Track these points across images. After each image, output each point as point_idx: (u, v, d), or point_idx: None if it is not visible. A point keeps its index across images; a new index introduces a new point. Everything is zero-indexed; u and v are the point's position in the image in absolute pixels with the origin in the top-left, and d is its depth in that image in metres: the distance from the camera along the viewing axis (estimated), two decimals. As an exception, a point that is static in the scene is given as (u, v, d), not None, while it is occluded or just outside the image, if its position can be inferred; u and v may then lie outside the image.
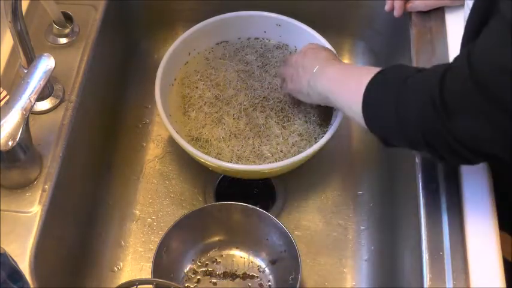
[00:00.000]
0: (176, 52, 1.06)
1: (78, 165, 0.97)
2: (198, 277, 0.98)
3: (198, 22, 1.09)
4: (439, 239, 0.80)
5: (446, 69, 0.68)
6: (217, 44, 1.12)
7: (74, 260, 0.98)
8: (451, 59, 0.95)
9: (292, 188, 1.08)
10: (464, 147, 0.68)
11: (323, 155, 1.05)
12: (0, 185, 0.84)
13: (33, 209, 0.84)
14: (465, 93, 0.65)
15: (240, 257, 1.00)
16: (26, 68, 0.88)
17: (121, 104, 1.17)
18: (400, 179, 1.01)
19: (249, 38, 1.13)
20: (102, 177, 1.08)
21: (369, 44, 1.21)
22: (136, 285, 0.87)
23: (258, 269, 0.99)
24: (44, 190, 0.85)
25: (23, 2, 0.84)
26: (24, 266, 0.79)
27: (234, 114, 1.04)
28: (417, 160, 0.87)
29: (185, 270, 0.99)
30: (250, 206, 0.97)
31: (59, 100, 0.93)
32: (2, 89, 0.91)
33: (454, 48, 0.97)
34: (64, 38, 1.00)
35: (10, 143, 0.76)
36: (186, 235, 0.98)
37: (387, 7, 1.05)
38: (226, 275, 0.98)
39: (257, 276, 0.98)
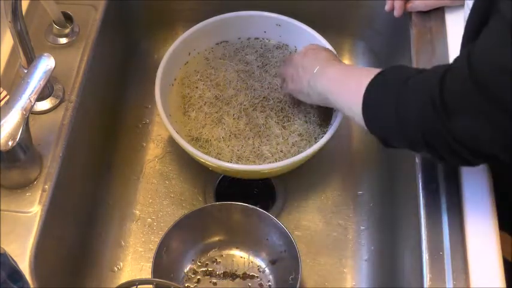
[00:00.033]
0: (176, 52, 1.06)
1: (78, 165, 0.97)
2: (198, 277, 0.98)
3: (198, 22, 1.09)
4: (439, 239, 0.80)
5: (446, 70, 0.68)
6: (217, 44, 1.12)
7: (74, 260, 0.98)
8: (451, 59, 0.95)
9: (292, 188, 1.08)
10: (464, 148, 0.68)
11: (323, 155, 1.05)
12: (0, 185, 0.84)
13: (33, 209, 0.84)
14: (465, 93, 0.65)
15: (240, 257, 1.00)
16: (26, 68, 0.88)
17: (121, 104, 1.17)
18: (400, 179, 1.01)
19: (249, 38, 1.13)
20: (102, 177, 1.08)
21: (369, 44, 1.21)
22: (136, 285, 0.87)
23: (258, 269, 0.99)
24: (44, 190, 0.85)
25: (23, 2, 0.84)
26: (24, 266, 0.79)
27: (234, 114, 1.04)
28: (417, 160, 0.87)
29: (185, 270, 0.99)
30: (250, 206, 0.97)
31: (59, 100, 0.93)
32: (2, 89, 0.91)
33: (454, 48, 0.97)
34: (64, 38, 1.00)
35: (10, 143, 0.76)
36: (186, 235, 0.98)
37: (387, 7, 1.05)
38: (226, 275, 0.98)
39: (257, 276, 0.98)
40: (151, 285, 0.89)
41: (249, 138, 1.01)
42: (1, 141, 0.75)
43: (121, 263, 1.02)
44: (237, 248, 1.01)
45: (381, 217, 1.05)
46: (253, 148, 1.00)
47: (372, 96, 0.76)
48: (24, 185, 0.85)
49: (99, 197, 1.07)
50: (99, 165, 1.08)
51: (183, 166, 1.10)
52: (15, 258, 0.65)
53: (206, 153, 0.97)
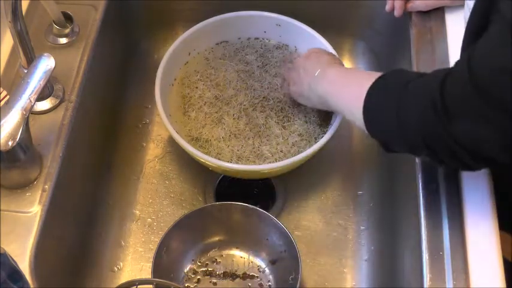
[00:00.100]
0: (176, 52, 1.06)
1: (78, 165, 0.97)
2: (198, 277, 0.98)
3: (198, 22, 1.09)
4: (439, 239, 0.80)
5: (446, 74, 0.68)
6: (217, 44, 1.12)
7: (74, 260, 0.98)
8: (451, 59, 0.96)
9: (292, 188, 1.08)
10: (465, 151, 0.68)
11: (323, 155, 1.05)
12: (0, 185, 0.84)
13: (33, 209, 0.84)
14: (465, 97, 0.65)
15: (240, 257, 1.00)
16: (26, 68, 0.88)
17: (121, 104, 1.17)
18: (400, 179, 1.01)
19: (249, 38, 1.13)
20: (102, 177, 1.08)
21: (369, 44, 1.21)
22: (136, 285, 0.87)
23: (258, 269, 0.99)
24: (44, 190, 0.85)
25: (23, 2, 0.84)
26: (24, 266, 0.79)
27: (234, 114, 1.04)
28: (417, 160, 0.87)
29: (185, 270, 0.99)
30: (250, 206, 0.97)
31: (59, 100, 0.93)
32: (2, 89, 0.91)
33: (454, 48, 0.97)
34: (64, 38, 1.00)
35: (10, 143, 0.76)
36: (186, 235, 0.98)
37: (388, 7, 1.05)
38: (226, 275, 0.98)
39: (257, 276, 0.98)
40: (151, 285, 0.89)
41: (249, 138, 1.01)
42: (1, 141, 0.75)
43: (121, 263, 1.02)
44: (237, 248, 1.01)
45: (381, 217, 1.05)
46: (253, 148, 1.00)
47: (373, 100, 0.76)
48: (24, 185, 0.85)
49: (99, 197, 1.07)
50: (99, 165, 1.08)
51: (183, 166, 1.10)
52: (15, 258, 0.65)
53: (206, 153, 0.98)
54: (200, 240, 1.00)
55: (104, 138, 1.10)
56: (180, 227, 0.96)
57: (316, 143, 0.97)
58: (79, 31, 1.01)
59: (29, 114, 0.78)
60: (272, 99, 1.05)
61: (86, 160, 1.02)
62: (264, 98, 1.05)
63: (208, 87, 1.08)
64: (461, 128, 0.66)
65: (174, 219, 1.00)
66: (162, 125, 1.04)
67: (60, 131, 0.91)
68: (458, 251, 0.79)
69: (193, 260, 0.99)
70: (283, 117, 1.03)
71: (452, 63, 0.94)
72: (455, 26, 1.00)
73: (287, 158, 0.98)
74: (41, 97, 0.91)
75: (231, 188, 1.08)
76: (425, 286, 0.78)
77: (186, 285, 0.97)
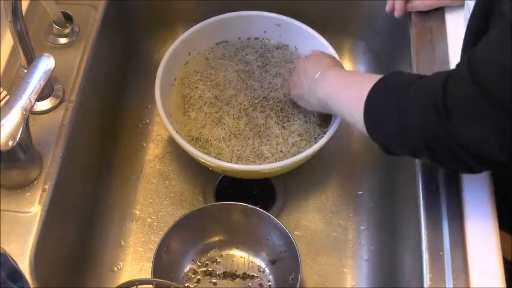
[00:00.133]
0: (176, 52, 1.06)
1: (78, 165, 0.97)
2: (198, 277, 0.98)
3: (198, 22, 1.09)
4: (439, 239, 0.80)
5: (448, 75, 0.68)
6: (217, 44, 1.12)
7: (74, 260, 0.98)
8: (451, 59, 0.96)
9: (292, 188, 1.08)
10: (466, 152, 0.67)
11: (323, 155, 1.05)
12: (0, 185, 0.84)
13: (33, 209, 0.84)
14: (467, 97, 0.65)
15: (240, 257, 1.00)
16: (26, 68, 0.88)
17: (121, 104, 1.17)
18: (400, 179, 1.01)
19: (249, 38, 1.13)
20: (102, 177, 1.08)
21: (369, 44, 1.21)
22: (136, 285, 0.87)
23: (258, 269, 0.99)
24: (44, 190, 0.85)
25: (23, 2, 0.84)
26: (24, 266, 0.79)
27: (234, 114, 1.04)
28: (417, 161, 0.87)
29: (185, 270, 0.99)
30: (250, 206, 0.97)
31: (59, 100, 0.93)
32: (2, 89, 0.91)
33: (454, 48, 0.97)
34: (64, 38, 1.00)
35: (10, 143, 0.76)
36: (186, 235, 0.98)
37: (388, 8, 1.05)
38: (226, 275, 0.98)
39: (257, 276, 0.98)
40: (151, 285, 0.89)
41: (249, 138, 1.01)
42: (1, 141, 0.75)
43: (121, 263, 1.02)
44: (237, 248, 1.01)
45: (381, 217, 1.05)
46: (253, 148, 1.00)
47: (373, 102, 0.76)
48: (24, 185, 0.85)
49: (99, 197, 1.07)
50: (99, 165, 1.08)
51: (183, 166, 1.10)
52: (15, 258, 0.65)
53: (206, 153, 0.98)
54: (200, 240, 1.00)
55: (104, 138, 1.10)
56: (180, 227, 0.96)
57: (316, 143, 0.97)
58: (79, 31, 1.01)
59: (29, 114, 0.78)
60: (272, 99, 1.05)
61: (86, 160, 1.02)
62: (264, 98, 1.05)
63: (208, 87, 1.08)
64: (463, 129, 0.66)
65: (174, 219, 1.00)
66: (162, 125, 1.04)
67: (60, 131, 0.91)
68: (458, 251, 0.79)
69: (193, 260, 0.99)
70: (283, 117, 1.03)
71: (452, 63, 0.95)
72: (455, 26, 1.00)
73: (287, 158, 0.98)
74: (41, 97, 0.91)
75: (231, 188, 1.08)
76: (425, 286, 0.78)
77: (186, 285, 0.97)
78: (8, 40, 0.93)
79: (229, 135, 1.02)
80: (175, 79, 1.07)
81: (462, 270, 0.77)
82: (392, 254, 0.98)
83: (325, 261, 1.02)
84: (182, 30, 1.14)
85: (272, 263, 0.99)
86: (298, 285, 0.91)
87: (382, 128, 0.76)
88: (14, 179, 0.84)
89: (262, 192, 1.08)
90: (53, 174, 0.87)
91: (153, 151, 1.13)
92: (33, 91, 0.79)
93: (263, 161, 0.99)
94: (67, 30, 1.00)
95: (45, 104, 0.92)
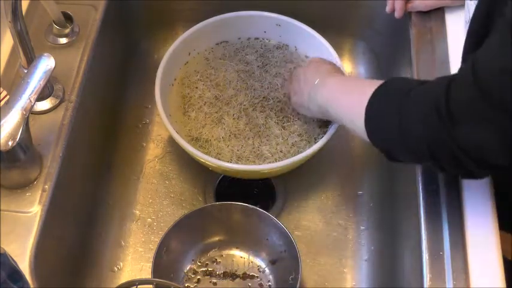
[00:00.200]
0: (176, 52, 1.06)
1: (78, 165, 0.97)
2: (198, 277, 0.98)
3: (198, 22, 1.09)
4: (439, 239, 0.80)
5: (450, 80, 0.67)
6: (217, 44, 1.12)
7: (74, 260, 0.98)
8: (451, 59, 0.96)
9: (292, 188, 1.08)
10: (468, 156, 0.67)
11: (323, 155, 1.05)
12: (0, 185, 0.84)
13: (33, 209, 0.84)
14: (469, 101, 0.65)
15: (240, 257, 1.00)
16: (26, 68, 0.88)
17: (121, 104, 1.17)
18: (400, 179, 1.01)
19: (249, 38, 1.13)
20: (102, 177, 1.08)
21: (369, 44, 1.21)
22: (136, 285, 0.87)
23: (258, 269, 0.99)
24: (44, 190, 0.85)
25: (23, 2, 0.84)
26: (24, 266, 0.79)
27: (234, 114, 1.04)
28: (417, 160, 0.87)
29: (185, 270, 0.99)
30: (250, 206, 0.97)
31: (59, 100, 0.93)
32: (2, 89, 0.91)
33: (454, 48, 0.97)
34: (64, 38, 1.00)
35: (10, 143, 0.76)
36: (186, 235, 0.98)
37: (388, 8, 1.05)
38: (226, 275, 0.98)
39: (257, 276, 0.98)
40: (151, 285, 0.89)
41: (248, 138, 1.01)
42: (1, 141, 0.75)
43: (121, 263, 1.02)
44: (237, 248, 1.01)
45: (381, 217, 1.05)
46: (253, 148, 1.00)
47: (375, 108, 0.76)
48: (24, 185, 0.85)
49: (99, 197, 1.07)
50: (99, 165, 1.08)
51: (183, 166, 1.10)
52: (15, 258, 0.65)
53: (206, 153, 0.97)
54: (200, 240, 1.00)
55: (104, 138, 1.10)
56: (180, 227, 0.96)
57: (316, 143, 0.97)
58: (79, 31, 1.01)
59: (29, 114, 0.78)
60: (272, 99, 1.05)
61: (86, 160, 1.02)
62: (264, 98, 1.05)
63: (208, 87, 1.08)
64: (464, 132, 0.66)
65: (174, 219, 1.00)
66: (162, 125, 1.04)
67: (60, 131, 0.91)
68: (458, 251, 0.79)
69: (193, 260, 0.99)
70: (283, 118, 1.03)
71: (452, 63, 0.95)
72: (455, 26, 1.00)
73: (287, 158, 0.98)
74: (41, 97, 0.91)
75: (231, 188, 1.08)
76: (425, 286, 0.78)
77: (186, 285, 0.97)
78: (8, 40, 0.93)
79: (229, 135, 1.02)
80: (175, 79, 1.07)
81: (462, 270, 0.77)
82: (392, 254, 0.98)
83: (325, 261, 1.02)
84: (182, 30, 1.14)
85: (272, 263, 0.99)
86: (298, 285, 0.91)
87: (383, 133, 0.76)
88: (14, 179, 0.84)
89: (262, 192, 1.08)
90: (53, 174, 0.87)
91: (153, 151, 1.13)
92: (33, 91, 0.79)
93: (263, 161, 0.99)
94: (67, 30, 1.00)
95: (45, 104, 0.92)
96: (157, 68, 1.03)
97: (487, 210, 0.81)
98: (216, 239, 1.01)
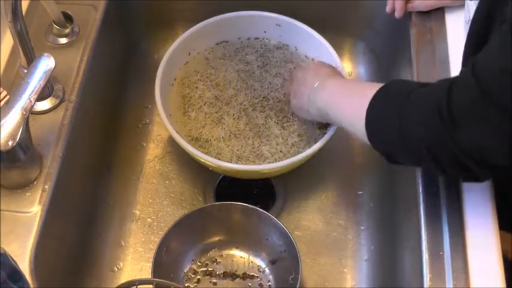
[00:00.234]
0: (176, 52, 1.06)
1: (78, 165, 0.97)
2: (198, 277, 0.98)
3: (198, 22, 1.09)
4: (439, 239, 0.80)
5: (451, 83, 0.67)
6: (217, 44, 1.12)
7: (74, 260, 0.98)
8: (451, 59, 0.96)
9: (292, 188, 1.08)
10: (470, 159, 0.67)
11: (323, 155, 1.05)
12: (0, 185, 0.84)
13: (33, 209, 0.84)
14: (471, 102, 0.65)
15: (240, 257, 1.00)
16: (26, 68, 0.88)
17: (121, 104, 1.17)
18: (400, 179, 1.01)
19: (249, 38, 1.13)
20: (102, 177, 1.08)
21: (369, 44, 1.21)
22: (136, 285, 0.87)
23: (258, 269, 0.99)
24: (44, 190, 0.85)
25: (23, 2, 0.84)
26: (24, 266, 0.79)
27: (234, 114, 1.04)
28: (417, 160, 0.87)
29: (185, 270, 0.99)
30: (250, 206, 0.97)
31: (59, 100, 0.93)
32: (2, 89, 0.91)
33: (454, 48, 0.97)
34: (64, 38, 1.00)
35: (10, 143, 0.76)
36: (186, 235, 0.98)
37: (388, 8, 1.05)
38: (226, 275, 0.98)
39: (257, 276, 0.98)
40: (151, 285, 0.89)
41: (248, 138, 1.01)
42: (1, 141, 0.75)
43: (121, 263, 1.02)
44: (237, 248, 1.01)
45: (381, 217, 1.05)
46: (253, 148, 1.00)
47: (375, 110, 0.76)
48: (24, 185, 0.85)
49: (99, 197, 1.07)
50: (99, 165, 1.08)
51: (183, 166, 1.10)
52: (15, 258, 0.65)
53: (206, 153, 0.97)
54: (200, 240, 1.00)
55: (104, 138, 1.10)
56: (180, 227, 0.96)
57: (315, 143, 0.97)
58: (79, 31, 1.01)
59: (29, 114, 0.78)
60: (272, 99, 1.05)
61: (86, 160, 1.02)
62: (264, 98, 1.05)
63: (208, 87, 1.08)
64: (466, 135, 0.66)
65: (174, 219, 1.00)
66: (162, 125, 1.04)
67: (60, 131, 0.91)
68: (458, 251, 0.79)
69: (193, 260, 0.99)
70: (282, 118, 1.03)
71: (452, 63, 0.95)
72: (455, 26, 1.00)
73: (287, 158, 0.98)
74: (41, 97, 0.91)
75: (231, 188, 1.08)
76: (425, 286, 0.78)
77: (186, 285, 0.97)
78: (8, 40, 0.93)
79: (229, 135, 1.02)
80: (175, 79, 1.07)
81: (462, 270, 0.77)
82: (392, 254, 0.98)
83: (325, 261, 1.02)
84: (182, 30, 1.14)
85: (272, 263, 0.99)
86: (298, 285, 0.91)
87: (383, 136, 0.76)
88: (14, 179, 0.84)
89: (262, 192, 1.08)
90: (53, 174, 0.87)
91: (153, 151, 1.13)
92: (33, 91, 0.79)
93: (263, 161, 0.99)
94: (67, 30, 1.00)
95: (45, 104, 0.92)
96: (157, 68, 1.03)
97: (487, 211, 0.81)
98: (216, 239, 1.01)
